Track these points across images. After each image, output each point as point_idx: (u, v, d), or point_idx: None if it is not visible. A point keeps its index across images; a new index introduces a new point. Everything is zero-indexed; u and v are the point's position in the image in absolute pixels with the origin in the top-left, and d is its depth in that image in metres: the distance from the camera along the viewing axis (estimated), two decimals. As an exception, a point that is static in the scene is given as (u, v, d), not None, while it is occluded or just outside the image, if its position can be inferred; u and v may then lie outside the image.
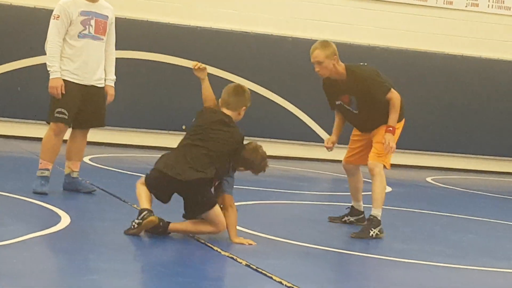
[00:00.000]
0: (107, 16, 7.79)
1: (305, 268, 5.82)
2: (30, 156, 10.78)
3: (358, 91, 7.07)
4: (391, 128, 7.05)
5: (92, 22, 7.68)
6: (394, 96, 7.08)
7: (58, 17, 7.61)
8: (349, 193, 7.77)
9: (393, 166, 14.70)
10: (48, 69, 7.61)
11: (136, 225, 5.89)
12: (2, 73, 13.39)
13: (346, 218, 7.65)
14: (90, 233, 5.84)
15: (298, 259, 6.00)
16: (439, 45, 15.78)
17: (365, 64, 7.31)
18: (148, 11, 14.36)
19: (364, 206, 7.70)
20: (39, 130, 11.76)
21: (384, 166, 7.16)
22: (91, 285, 4.65)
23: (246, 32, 14.86)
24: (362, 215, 7.65)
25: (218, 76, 13.93)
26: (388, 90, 7.07)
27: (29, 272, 4.80)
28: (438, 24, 15.81)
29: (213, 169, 6.01)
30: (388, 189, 11.16)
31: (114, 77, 7.97)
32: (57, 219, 6.43)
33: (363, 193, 7.74)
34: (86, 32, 7.66)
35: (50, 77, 7.59)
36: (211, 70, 14.16)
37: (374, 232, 6.89)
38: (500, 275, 6.09)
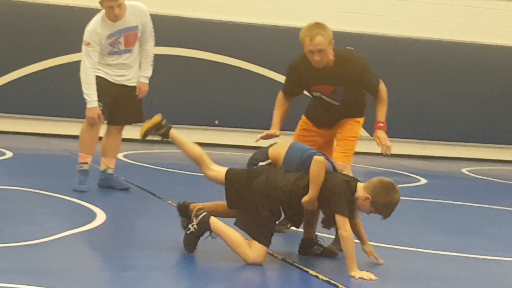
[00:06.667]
0: (136, 26, 7.76)
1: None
2: (64, 154, 10.82)
3: (348, 80, 6.05)
4: (382, 124, 6.13)
5: (121, 40, 7.70)
6: (384, 87, 6.19)
7: (88, 44, 7.65)
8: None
9: (428, 158, 14.81)
10: (84, 97, 7.65)
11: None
12: (35, 72, 13.45)
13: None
14: (125, 230, 5.84)
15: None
16: (475, 35, 15.61)
17: (352, 49, 6.25)
18: (180, 7, 14.35)
19: None
20: (73, 128, 11.80)
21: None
22: (127, 282, 4.66)
23: (278, 26, 14.80)
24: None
25: (252, 71, 13.91)
26: (379, 81, 6.17)
27: (66, 269, 4.81)
28: (475, 14, 15.64)
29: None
30: (423, 181, 11.12)
31: (149, 74, 7.94)
32: (92, 216, 6.45)
33: None
34: (115, 49, 7.72)
35: (87, 106, 7.63)
36: (244, 65, 14.38)
37: None
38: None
